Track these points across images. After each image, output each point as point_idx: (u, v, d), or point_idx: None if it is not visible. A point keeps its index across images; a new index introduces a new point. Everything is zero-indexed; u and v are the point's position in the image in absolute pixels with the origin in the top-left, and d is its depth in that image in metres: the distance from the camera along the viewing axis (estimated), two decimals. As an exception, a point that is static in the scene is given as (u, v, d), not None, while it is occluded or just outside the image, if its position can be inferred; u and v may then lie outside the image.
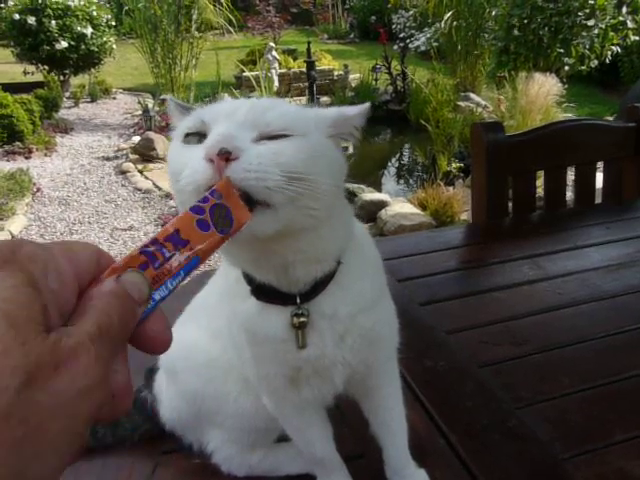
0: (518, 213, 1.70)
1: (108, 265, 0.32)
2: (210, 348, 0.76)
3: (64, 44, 7.01)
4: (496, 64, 5.78)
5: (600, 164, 1.84)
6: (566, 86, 4.82)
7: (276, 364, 0.64)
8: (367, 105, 0.57)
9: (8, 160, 5.30)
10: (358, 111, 0.57)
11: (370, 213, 4.00)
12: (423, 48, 8.77)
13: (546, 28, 5.34)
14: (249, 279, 0.60)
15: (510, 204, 1.71)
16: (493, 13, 6.54)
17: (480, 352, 1.07)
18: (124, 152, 5.72)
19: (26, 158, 5.37)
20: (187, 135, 0.53)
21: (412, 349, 1.07)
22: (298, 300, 0.59)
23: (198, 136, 0.51)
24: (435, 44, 8.02)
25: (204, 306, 0.79)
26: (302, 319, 0.59)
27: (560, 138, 1.75)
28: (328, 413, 0.75)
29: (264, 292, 0.59)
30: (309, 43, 7.39)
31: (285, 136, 0.50)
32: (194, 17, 6.64)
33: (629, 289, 1.27)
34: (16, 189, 4.34)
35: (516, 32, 5.48)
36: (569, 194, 1.80)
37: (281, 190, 0.46)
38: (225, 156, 0.45)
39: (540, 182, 1.85)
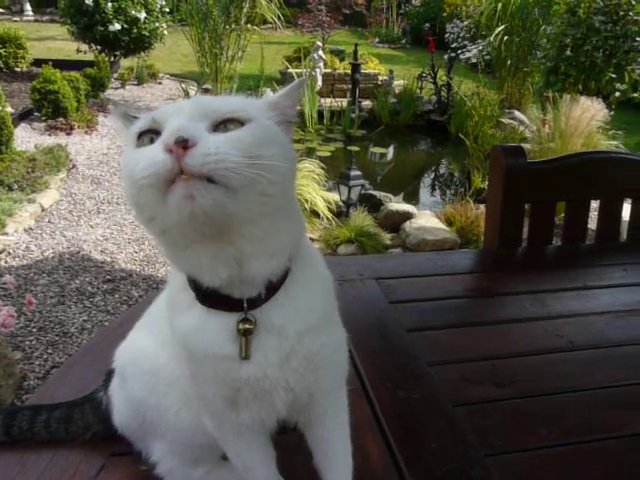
0: (532, 244, 1.62)
1: None
2: (157, 356, 0.73)
3: (117, 26, 7.15)
4: (544, 83, 5.59)
5: (628, 201, 1.74)
6: (612, 113, 4.63)
7: (215, 384, 0.61)
8: (294, 83, 0.58)
9: (50, 135, 5.44)
10: (284, 93, 0.58)
11: (394, 223, 3.94)
12: (474, 60, 8.60)
13: (600, 51, 5.14)
14: (195, 284, 0.57)
15: (525, 233, 1.64)
16: (548, 31, 6.35)
17: (460, 389, 1.01)
18: (162, 137, 5.79)
19: (67, 134, 5.50)
20: (140, 136, 0.53)
21: (388, 377, 1.03)
22: (245, 304, 0.57)
23: (151, 135, 0.52)
24: (487, 57, 7.85)
25: (157, 311, 0.76)
26: (248, 326, 0.57)
27: (587, 169, 1.66)
28: (284, 436, 0.71)
29: (210, 297, 0.57)
30: (356, 45, 7.34)
31: (236, 125, 0.52)
32: (244, 10, 6.67)
33: (636, 339, 1.18)
34: (52, 164, 4.43)
35: (568, 52, 5.29)
36: (591, 229, 1.72)
37: (242, 171, 0.48)
38: (183, 144, 0.46)
39: (560, 213, 1.77)
